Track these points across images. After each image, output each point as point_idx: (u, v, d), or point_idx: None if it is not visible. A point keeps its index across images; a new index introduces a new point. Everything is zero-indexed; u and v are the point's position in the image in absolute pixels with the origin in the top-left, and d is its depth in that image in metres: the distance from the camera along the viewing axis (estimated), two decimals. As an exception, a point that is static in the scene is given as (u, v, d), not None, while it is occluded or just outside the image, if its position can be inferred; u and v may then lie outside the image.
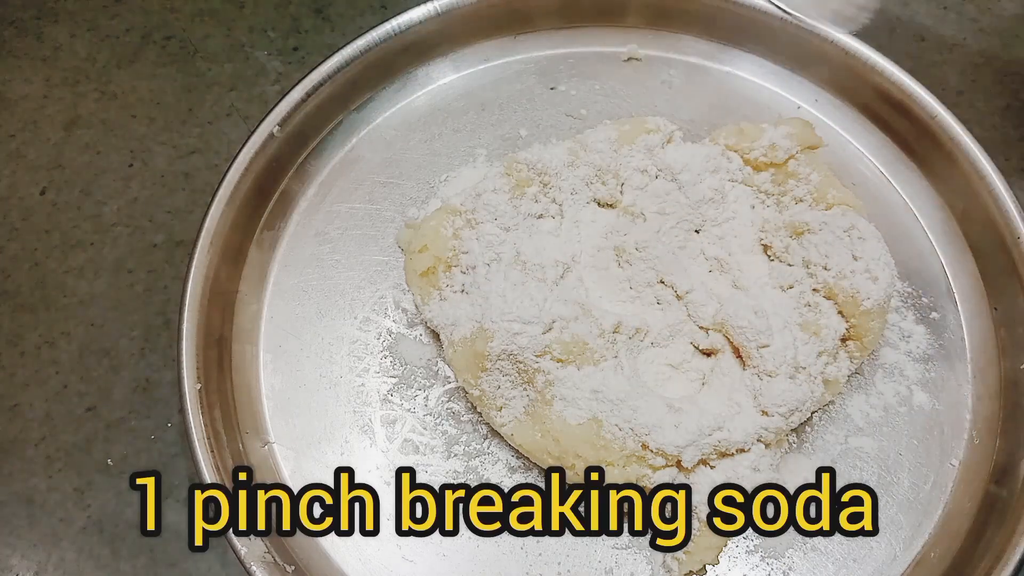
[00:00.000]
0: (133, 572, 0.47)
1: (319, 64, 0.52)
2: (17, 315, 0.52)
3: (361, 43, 0.53)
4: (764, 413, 0.43)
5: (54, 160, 0.56)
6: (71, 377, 0.51)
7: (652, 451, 0.42)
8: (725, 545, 0.43)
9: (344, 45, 0.53)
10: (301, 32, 0.60)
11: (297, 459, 0.47)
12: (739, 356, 0.45)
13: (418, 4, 0.54)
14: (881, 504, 0.45)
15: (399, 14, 0.53)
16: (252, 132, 0.51)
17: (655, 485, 0.43)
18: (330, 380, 0.49)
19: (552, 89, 0.56)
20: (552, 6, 0.56)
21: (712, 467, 0.43)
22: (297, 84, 0.52)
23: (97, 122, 0.58)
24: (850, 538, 0.45)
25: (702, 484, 0.43)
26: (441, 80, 0.56)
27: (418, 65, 0.56)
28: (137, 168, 0.56)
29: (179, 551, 0.47)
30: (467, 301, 0.46)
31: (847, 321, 0.45)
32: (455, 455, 0.47)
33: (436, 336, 0.49)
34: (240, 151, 0.50)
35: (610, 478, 0.43)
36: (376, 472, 0.47)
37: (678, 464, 0.43)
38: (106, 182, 0.56)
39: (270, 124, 0.51)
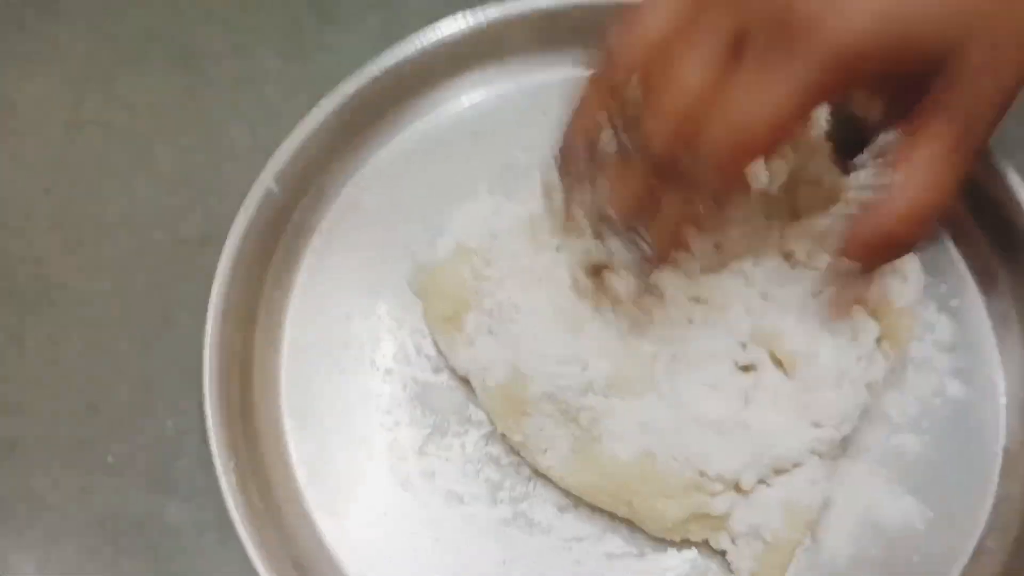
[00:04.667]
0: (133, 569, 0.47)
1: (308, 114, 0.51)
2: (20, 314, 0.52)
3: (349, 87, 0.51)
4: (816, 425, 0.43)
5: (57, 160, 0.56)
6: (73, 376, 0.51)
7: (710, 478, 0.42)
8: (791, 562, 0.43)
9: (331, 92, 0.51)
10: (303, 33, 0.59)
11: (340, 525, 0.46)
12: (780, 369, 0.44)
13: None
14: (932, 499, 0.45)
15: (383, 53, 0.52)
16: (248, 194, 0.49)
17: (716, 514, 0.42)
18: (361, 438, 0.48)
19: (544, 114, 0.54)
20: (529, 34, 0.55)
21: (770, 485, 0.43)
22: (290, 134, 0.50)
23: (100, 122, 0.57)
24: (907, 538, 0.45)
25: (762, 504, 0.42)
26: (429, 114, 0.55)
27: (405, 102, 0.54)
28: (139, 168, 0.56)
29: (179, 549, 0.47)
30: (496, 344, 0.45)
31: (880, 322, 0.45)
32: (501, 501, 0.46)
33: (464, 379, 0.48)
34: (239, 213, 0.49)
35: (670, 512, 0.42)
36: (422, 529, 0.46)
37: (736, 487, 0.42)
38: (109, 182, 0.56)
39: (265, 182, 0.49)
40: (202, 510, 0.47)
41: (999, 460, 0.46)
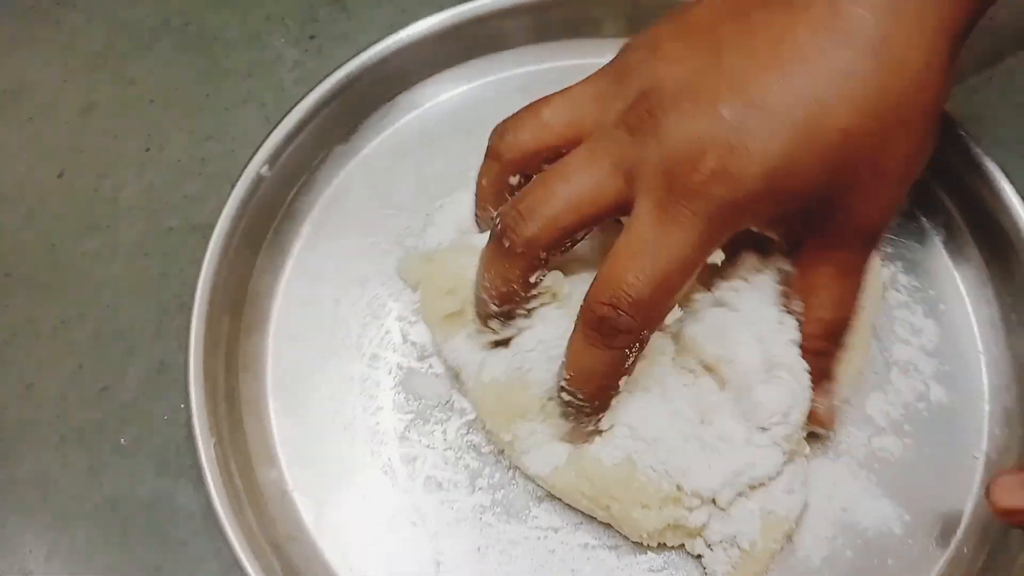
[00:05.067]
0: (144, 551, 0.47)
1: (301, 98, 0.51)
2: (33, 297, 0.53)
3: (341, 74, 0.52)
4: (763, 429, 0.42)
5: (71, 144, 0.57)
6: (86, 359, 0.51)
7: (687, 494, 0.42)
8: (767, 570, 0.43)
9: (324, 78, 0.52)
10: (317, 21, 0.60)
11: (319, 507, 0.46)
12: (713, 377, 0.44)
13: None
14: (910, 503, 0.45)
15: (375, 43, 0.53)
16: (239, 176, 0.50)
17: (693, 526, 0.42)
18: (344, 422, 0.48)
19: (539, 107, 0.55)
20: (525, 24, 0.55)
21: (747, 497, 0.42)
22: (281, 120, 0.51)
23: (114, 107, 0.58)
24: (883, 541, 0.45)
25: (740, 515, 0.42)
26: (424, 105, 0.55)
27: (400, 92, 0.55)
28: (154, 153, 0.57)
29: (190, 531, 0.47)
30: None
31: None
32: (480, 488, 0.46)
33: (450, 368, 0.48)
34: (229, 197, 0.49)
35: (646, 522, 0.42)
36: (401, 513, 0.46)
37: (713, 501, 0.42)
38: (123, 167, 0.56)
39: (256, 165, 0.50)
40: (212, 495, 0.48)
41: (980, 467, 0.46)
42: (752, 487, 0.43)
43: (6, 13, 0.61)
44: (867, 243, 0.41)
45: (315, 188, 0.53)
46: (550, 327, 0.43)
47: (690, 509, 0.42)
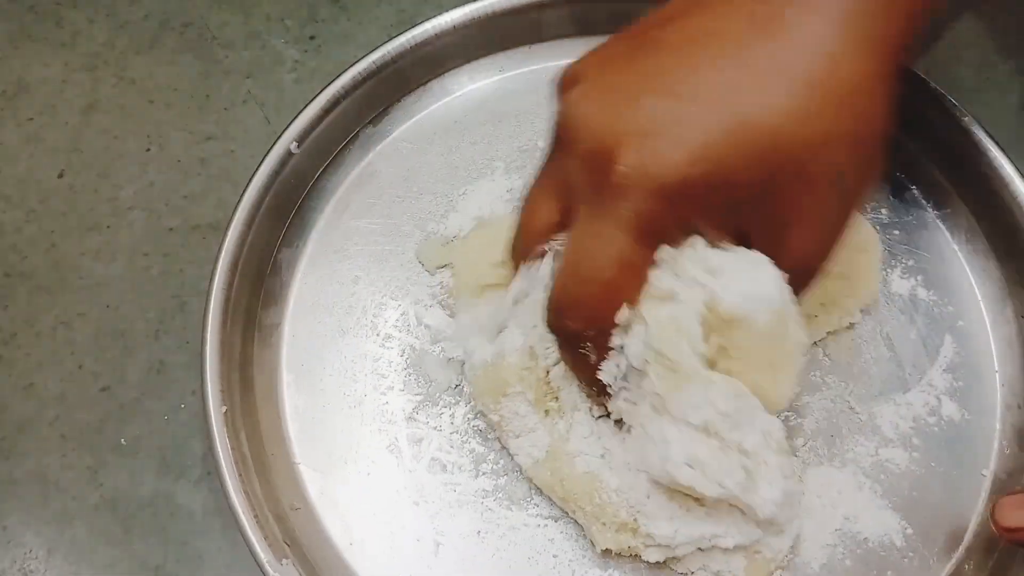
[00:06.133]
0: (144, 550, 0.47)
1: (335, 79, 0.52)
2: (33, 296, 0.53)
3: (376, 56, 0.52)
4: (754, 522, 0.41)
5: (72, 144, 0.57)
6: (86, 358, 0.52)
7: (641, 534, 0.41)
8: None
9: (359, 59, 0.52)
10: (318, 21, 0.61)
11: (324, 480, 0.47)
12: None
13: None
14: (914, 516, 0.45)
15: (415, 26, 0.53)
16: (269, 150, 0.50)
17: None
18: (354, 399, 0.49)
19: (569, 99, 0.55)
20: (565, 16, 0.56)
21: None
22: (313, 99, 0.51)
23: (115, 107, 0.59)
24: (884, 552, 0.44)
25: (725, 554, 0.42)
26: (457, 92, 0.56)
27: (433, 77, 0.55)
28: (154, 153, 0.57)
29: (190, 530, 0.48)
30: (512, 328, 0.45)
31: None
32: (483, 473, 0.47)
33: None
34: (257, 170, 0.50)
35: (602, 539, 0.42)
36: (404, 492, 0.46)
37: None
38: (123, 166, 0.57)
39: (287, 141, 0.50)
40: (212, 493, 0.48)
41: (986, 484, 0.46)
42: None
43: (6, 13, 0.61)
44: (803, 271, 0.39)
45: (342, 168, 0.54)
46: (528, 318, 0.43)
47: (646, 545, 0.42)
